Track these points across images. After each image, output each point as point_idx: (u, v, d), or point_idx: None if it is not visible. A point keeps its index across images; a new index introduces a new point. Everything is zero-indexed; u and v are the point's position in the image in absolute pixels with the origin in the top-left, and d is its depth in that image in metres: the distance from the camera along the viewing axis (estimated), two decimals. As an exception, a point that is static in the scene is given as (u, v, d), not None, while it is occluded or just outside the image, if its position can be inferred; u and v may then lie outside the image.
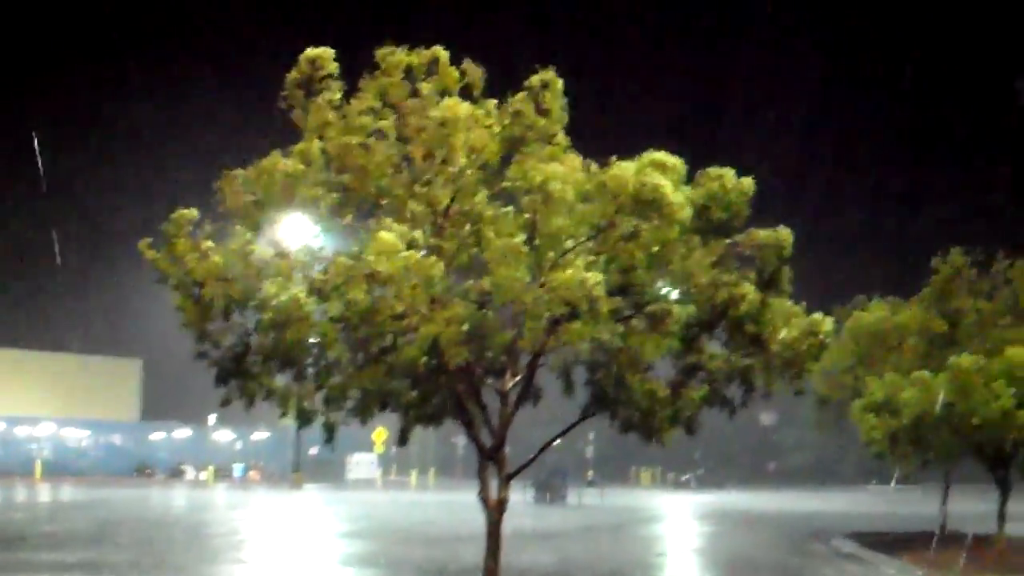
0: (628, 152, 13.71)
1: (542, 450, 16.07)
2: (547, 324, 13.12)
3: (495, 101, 14.04)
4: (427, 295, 12.51)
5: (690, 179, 13.99)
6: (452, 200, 13.73)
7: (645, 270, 13.96)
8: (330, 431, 14.76)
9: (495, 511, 14.79)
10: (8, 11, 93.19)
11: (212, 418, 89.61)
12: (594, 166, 13.97)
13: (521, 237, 13.46)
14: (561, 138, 14.21)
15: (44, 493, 56.33)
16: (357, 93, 13.88)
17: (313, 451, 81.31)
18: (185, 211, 13.48)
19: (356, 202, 14.23)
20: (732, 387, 15.14)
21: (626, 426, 15.45)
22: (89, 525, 33.19)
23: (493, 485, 14.90)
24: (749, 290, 14.14)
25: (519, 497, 43.58)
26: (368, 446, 73.24)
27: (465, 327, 12.83)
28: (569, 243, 13.54)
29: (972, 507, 31.10)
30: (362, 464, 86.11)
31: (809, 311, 14.82)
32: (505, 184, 14.09)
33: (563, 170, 13.42)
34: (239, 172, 13.70)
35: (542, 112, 13.98)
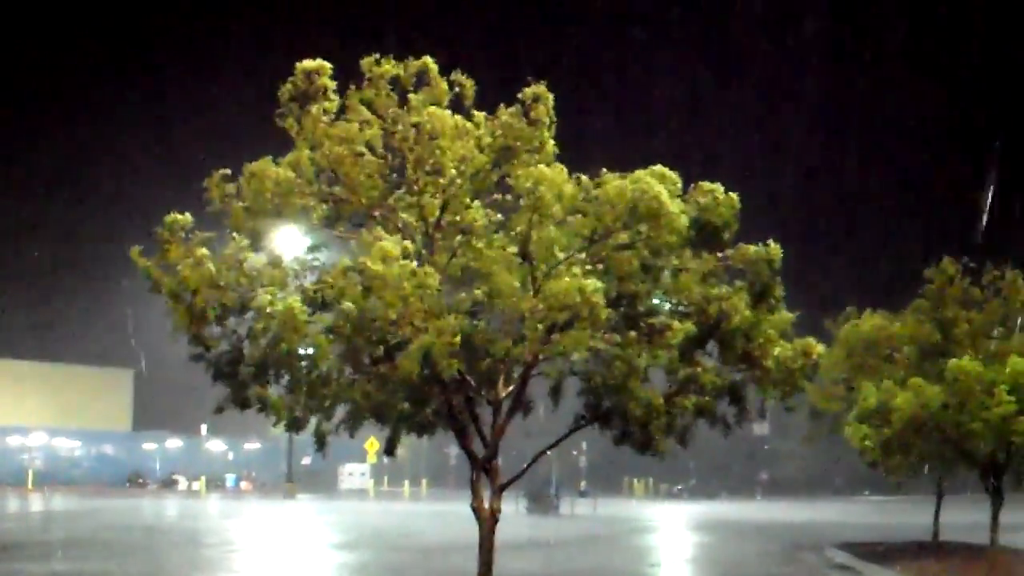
0: (614, 167, 13.94)
1: (534, 460, 16.07)
2: (543, 333, 13.16)
3: (484, 114, 14.07)
4: (422, 305, 12.53)
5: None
6: (443, 211, 13.76)
7: (639, 282, 14.03)
8: (321, 440, 14.77)
9: (488, 521, 14.77)
10: (7, 12, 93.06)
11: (204, 428, 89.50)
12: (584, 179, 14.06)
13: (513, 249, 13.53)
14: (550, 149, 14.23)
15: (36, 503, 56.16)
16: (345, 104, 13.88)
17: (305, 461, 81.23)
18: (179, 216, 13.44)
19: (348, 213, 14.27)
20: (723, 403, 15.24)
21: (621, 437, 15.48)
22: (81, 535, 33.09)
23: (486, 495, 14.90)
24: (740, 305, 14.27)
25: (512, 507, 43.54)
26: (360, 456, 73.14)
27: (458, 338, 12.85)
28: (560, 255, 13.62)
29: (964, 517, 31.17)
30: (354, 474, 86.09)
31: (800, 322, 14.98)
32: (496, 196, 14.17)
33: (552, 174, 13.48)
34: (225, 171, 13.70)
35: (532, 124, 14.02)
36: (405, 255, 12.77)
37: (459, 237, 13.94)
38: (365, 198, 13.82)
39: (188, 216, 13.47)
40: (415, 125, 13.23)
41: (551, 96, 14.07)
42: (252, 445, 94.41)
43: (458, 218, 13.86)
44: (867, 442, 25.68)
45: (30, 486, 72.35)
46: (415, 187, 13.66)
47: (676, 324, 13.90)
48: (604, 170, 13.89)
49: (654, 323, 14.05)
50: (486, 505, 14.82)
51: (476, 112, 13.98)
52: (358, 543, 33.22)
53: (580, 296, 12.50)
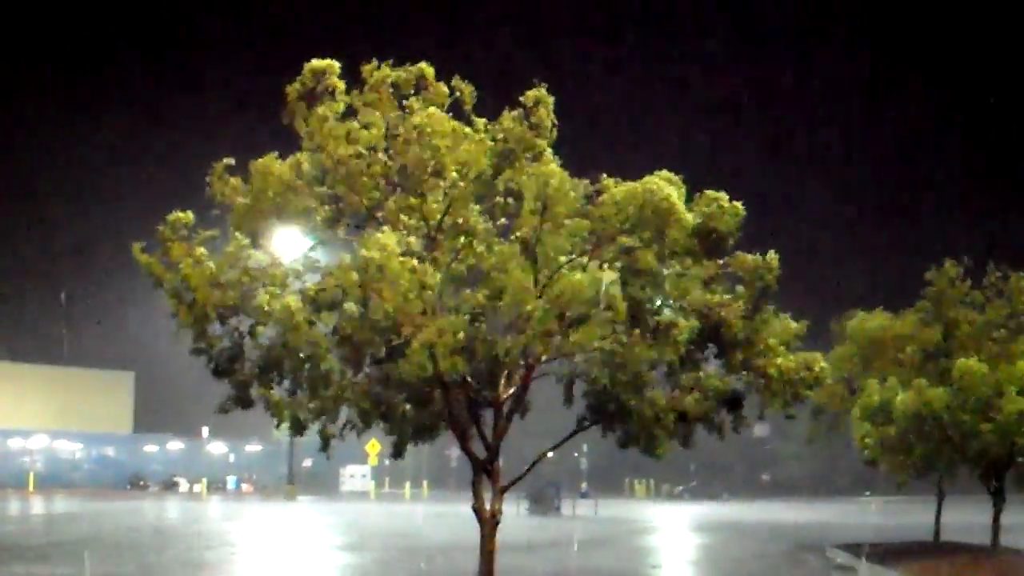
0: (612, 172, 14.16)
1: (536, 462, 16.11)
2: (557, 326, 13.23)
3: (484, 120, 14.08)
4: (421, 303, 12.55)
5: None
6: (445, 213, 13.77)
7: (642, 286, 14.11)
8: (325, 441, 14.80)
9: (489, 523, 14.79)
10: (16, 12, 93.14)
11: (205, 431, 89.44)
12: (585, 183, 14.12)
13: (516, 250, 13.59)
14: (549, 156, 14.25)
15: (37, 505, 56.09)
16: (351, 105, 13.89)
17: (307, 463, 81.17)
18: (180, 214, 13.48)
19: (350, 214, 14.28)
20: (723, 410, 15.35)
21: (625, 439, 15.54)
22: (83, 537, 33.04)
23: (487, 497, 14.91)
24: (737, 314, 14.42)
25: (513, 509, 43.56)
26: (362, 458, 73.09)
27: (461, 335, 12.89)
28: (563, 259, 13.72)
29: (966, 518, 31.13)
30: (356, 476, 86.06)
31: (804, 323, 15.16)
32: (497, 199, 14.22)
33: (560, 173, 13.59)
34: (229, 162, 13.71)
35: (534, 128, 14.04)
36: (404, 252, 12.79)
37: (461, 239, 13.97)
38: (367, 199, 13.83)
39: (190, 215, 13.51)
40: (416, 127, 13.23)
41: (551, 99, 14.10)
42: (253, 447, 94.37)
43: (459, 220, 13.89)
44: (868, 440, 25.69)
45: (31, 488, 72.33)
46: (417, 189, 13.67)
47: (682, 321, 14.02)
48: (604, 175, 14.00)
49: (660, 321, 14.15)
50: (487, 506, 14.83)
51: (476, 118, 14.00)
52: (360, 545, 33.21)
53: (595, 287, 12.64)
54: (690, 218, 13.69)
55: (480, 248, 13.96)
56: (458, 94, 13.92)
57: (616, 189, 13.66)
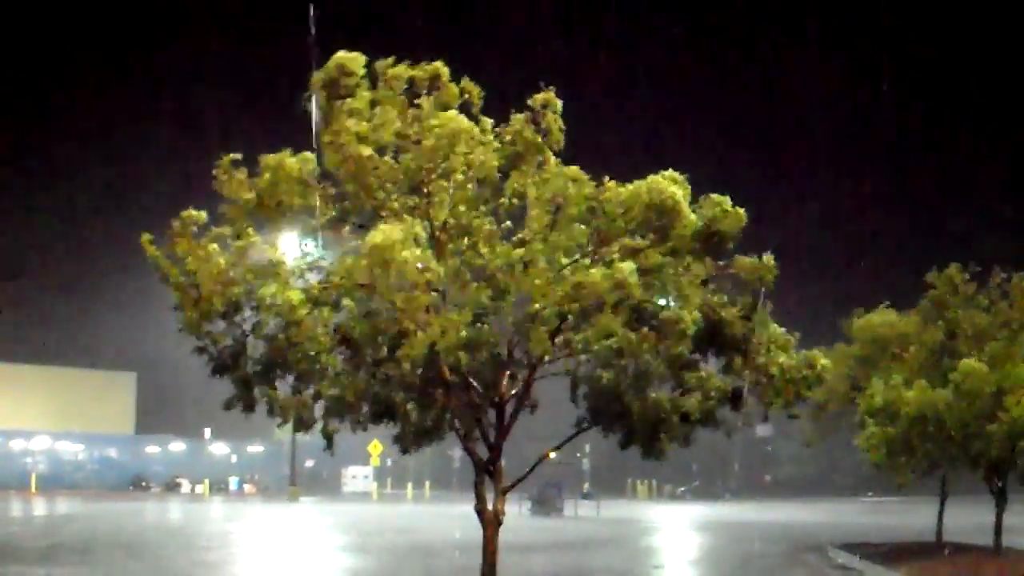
0: (616, 175, 14.16)
1: (538, 463, 16.13)
2: (572, 321, 13.29)
3: (491, 121, 14.08)
4: (427, 298, 12.59)
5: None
6: (450, 214, 13.79)
7: (645, 286, 14.15)
8: (329, 439, 14.83)
9: (491, 523, 14.81)
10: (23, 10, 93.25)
11: (207, 431, 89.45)
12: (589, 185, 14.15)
13: (520, 252, 13.61)
14: (553, 163, 14.25)
15: (39, 507, 56.10)
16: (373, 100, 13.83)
17: (309, 464, 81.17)
18: (193, 212, 13.49)
19: (355, 213, 14.29)
20: (726, 409, 15.42)
21: (626, 440, 15.58)
22: (85, 538, 33.07)
23: (489, 498, 14.92)
24: (734, 317, 14.46)
25: (515, 510, 43.57)
26: (364, 459, 73.10)
27: (464, 333, 12.92)
28: (565, 260, 13.76)
29: (968, 519, 31.08)
30: (358, 477, 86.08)
31: (805, 324, 15.23)
32: (503, 200, 14.25)
33: (574, 174, 13.76)
34: (235, 156, 13.71)
35: (540, 131, 14.05)
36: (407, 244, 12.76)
37: (466, 239, 14.00)
38: (374, 198, 13.81)
39: (203, 214, 13.52)
40: (432, 128, 13.20)
41: (560, 102, 14.11)
42: (255, 448, 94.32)
43: (465, 222, 13.92)
44: (871, 440, 25.69)
45: (33, 490, 72.35)
46: (423, 189, 13.67)
47: (686, 315, 14.07)
48: (607, 177, 14.04)
49: (665, 318, 14.20)
50: (490, 507, 14.85)
51: (484, 118, 14.01)
52: (362, 545, 33.24)
53: (611, 280, 12.69)
54: (694, 218, 13.77)
55: (484, 249, 13.97)
56: (466, 96, 13.92)
57: (619, 190, 13.72)
